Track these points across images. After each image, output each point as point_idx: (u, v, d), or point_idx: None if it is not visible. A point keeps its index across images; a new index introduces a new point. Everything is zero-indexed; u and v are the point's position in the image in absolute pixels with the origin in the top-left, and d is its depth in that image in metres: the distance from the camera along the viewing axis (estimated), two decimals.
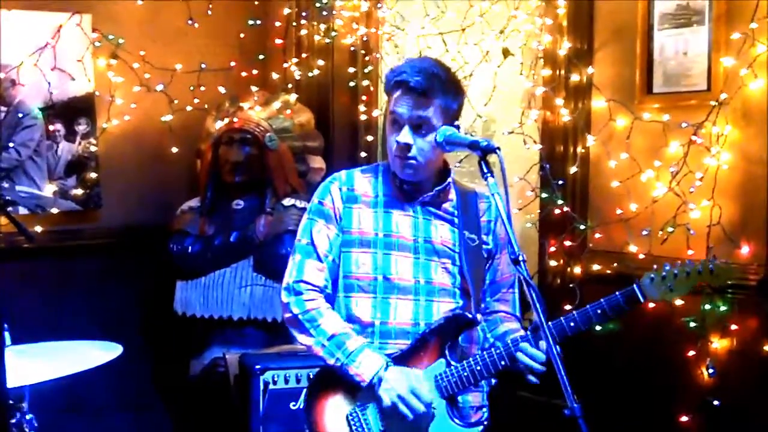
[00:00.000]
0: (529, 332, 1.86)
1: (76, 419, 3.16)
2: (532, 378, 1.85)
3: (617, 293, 1.85)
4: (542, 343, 1.81)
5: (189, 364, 3.24)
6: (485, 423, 1.95)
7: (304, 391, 2.06)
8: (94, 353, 2.11)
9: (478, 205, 2.01)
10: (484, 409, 1.99)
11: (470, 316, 1.91)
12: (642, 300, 1.84)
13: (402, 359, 1.90)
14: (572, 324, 1.84)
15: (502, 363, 1.85)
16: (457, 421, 1.88)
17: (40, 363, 1.99)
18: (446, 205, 1.99)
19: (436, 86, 1.89)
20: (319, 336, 1.90)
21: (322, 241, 1.96)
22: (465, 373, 1.86)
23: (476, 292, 1.94)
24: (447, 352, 1.89)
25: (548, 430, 2.67)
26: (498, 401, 2.08)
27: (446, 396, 1.88)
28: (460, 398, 1.92)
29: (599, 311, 1.84)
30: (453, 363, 1.88)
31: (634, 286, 1.84)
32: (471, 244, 1.95)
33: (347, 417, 1.90)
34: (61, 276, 3.30)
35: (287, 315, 1.96)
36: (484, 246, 1.99)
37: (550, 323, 1.74)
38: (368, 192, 1.99)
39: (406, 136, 1.89)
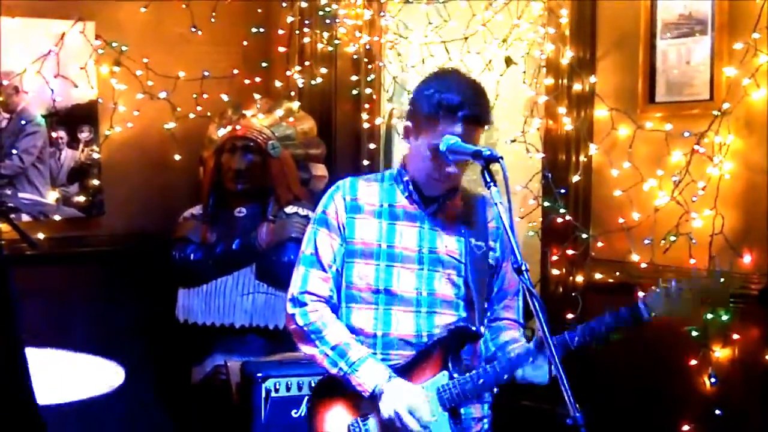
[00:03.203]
0: (533, 346, 1.85)
1: (76, 426, 3.15)
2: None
3: (622, 309, 1.85)
4: (540, 361, 1.81)
5: (191, 371, 3.24)
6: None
7: (306, 398, 2.05)
8: (97, 378, 2.09)
9: (486, 211, 2.00)
10: (485, 420, 1.99)
11: (474, 328, 1.90)
12: (646, 317, 1.83)
13: (405, 370, 1.89)
14: (577, 338, 1.82)
15: (505, 377, 1.85)
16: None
17: (42, 383, 1.99)
18: (453, 213, 1.98)
19: (489, 114, 1.92)
20: (323, 346, 1.90)
21: (326, 252, 1.95)
22: (468, 386, 1.86)
23: (480, 302, 1.93)
24: (450, 364, 1.88)
25: None
26: (500, 410, 2.08)
27: (448, 408, 1.87)
28: (462, 410, 1.91)
29: (603, 328, 1.83)
30: (456, 375, 1.88)
31: (639, 303, 1.84)
32: (477, 252, 1.95)
33: (349, 427, 1.89)
34: (64, 283, 3.30)
35: (292, 326, 1.96)
36: (491, 253, 1.98)
37: (553, 338, 1.74)
38: (373, 201, 1.98)
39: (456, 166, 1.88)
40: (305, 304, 1.94)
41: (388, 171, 2.05)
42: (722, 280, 1.86)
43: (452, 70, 2.06)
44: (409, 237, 1.94)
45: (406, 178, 1.97)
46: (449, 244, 1.95)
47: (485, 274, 1.96)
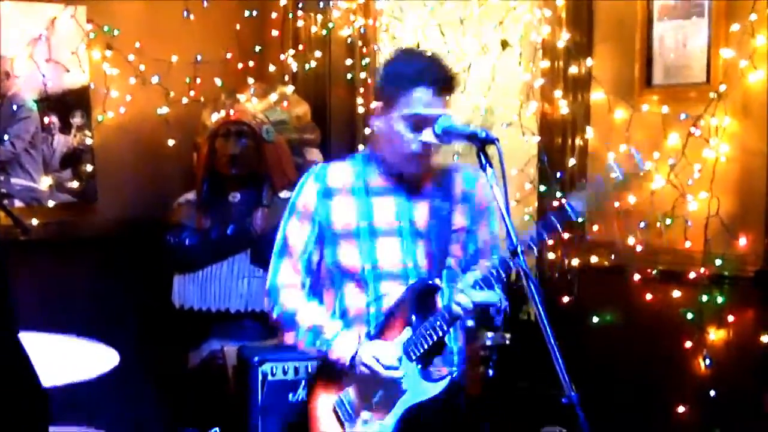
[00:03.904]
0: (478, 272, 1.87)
1: (73, 412, 3.15)
2: (491, 315, 1.86)
3: (551, 216, 1.85)
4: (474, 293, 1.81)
5: (187, 356, 3.24)
6: (453, 375, 1.95)
7: (304, 383, 2.09)
8: (91, 361, 2.10)
9: (453, 177, 2.03)
10: (454, 367, 2.00)
11: (430, 282, 1.94)
12: (574, 217, 1.85)
13: (375, 337, 1.94)
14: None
15: (454, 313, 1.85)
16: (426, 380, 1.91)
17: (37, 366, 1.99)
18: (426, 183, 2.01)
19: (455, 79, 1.93)
20: (299, 330, 1.97)
21: (296, 240, 2.00)
22: (428, 332, 1.89)
23: (439, 255, 1.96)
24: (413, 319, 1.92)
25: (546, 420, 2.68)
26: (496, 392, 2.09)
27: (414, 359, 1.90)
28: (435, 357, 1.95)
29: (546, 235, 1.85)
30: (419, 327, 1.91)
31: (567, 205, 1.86)
32: (440, 212, 1.97)
33: (334, 406, 1.95)
34: (58, 269, 3.29)
35: (272, 318, 2.04)
36: (455, 214, 2.00)
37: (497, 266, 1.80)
38: (346, 182, 2.00)
39: (431, 136, 1.89)
40: (278, 296, 2.00)
41: (358, 153, 2.08)
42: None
43: (411, 47, 2.11)
44: (386, 211, 1.97)
45: (377, 155, 1.99)
46: (423, 213, 1.98)
47: (446, 232, 1.98)
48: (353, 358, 1.90)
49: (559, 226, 1.84)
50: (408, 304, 1.94)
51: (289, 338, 2.00)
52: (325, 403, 1.97)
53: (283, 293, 1.99)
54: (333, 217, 1.97)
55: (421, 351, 1.89)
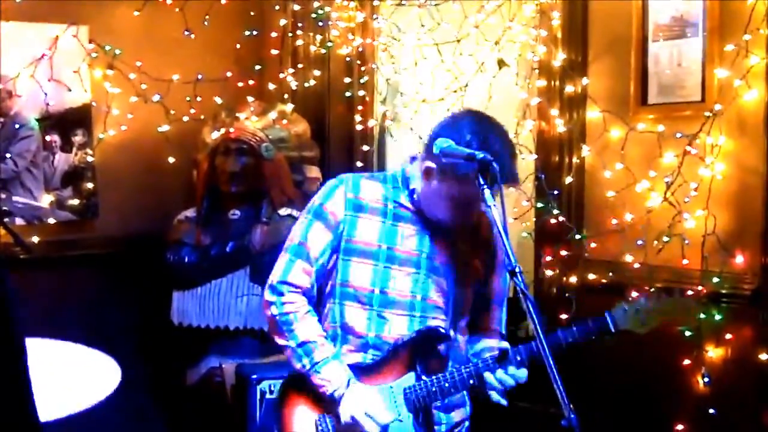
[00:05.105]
0: (495, 357, 1.86)
1: (71, 429, 3.15)
2: (496, 397, 1.86)
3: (589, 321, 1.89)
4: (511, 368, 1.84)
5: (186, 373, 3.24)
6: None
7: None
8: (94, 381, 2.08)
9: (480, 221, 2.00)
10: (465, 424, 2.01)
11: (443, 330, 1.92)
12: (613, 330, 1.88)
13: (372, 369, 1.92)
14: (540, 346, 1.72)
15: (471, 381, 1.87)
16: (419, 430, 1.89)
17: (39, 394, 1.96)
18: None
19: (514, 181, 1.89)
20: (291, 340, 1.92)
21: (315, 244, 1.94)
22: (434, 389, 1.88)
23: (455, 307, 1.95)
24: (417, 366, 1.90)
25: None
26: (494, 411, 2.09)
27: (414, 409, 1.89)
28: (439, 414, 1.94)
29: (570, 339, 1.87)
30: (423, 377, 1.90)
31: (606, 315, 1.88)
32: (462, 257, 1.96)
33: (315, 422, 1.92)
34: (58, 286, 3.29)
35: (267, 313, 1.97)
36: (476, 261, 1.99)
37: (522, 348, 1.83)
38: (378, 200, 1.96)
39: (469, 218, 1.93)
40: (282, 294, 1.94)
41: (390, 173, 2.03)
42: (689, 305, 1.95)
43: (489, 122, 1.91)
44: (410, 240, 1.94)
45: (413, 187, 1.95)
46: (442, 251, 1.96)
47: (465, 281, 1.97)
48: (339, 397, 1.87)
49: (596, 333, 1.86)
50: (413, 348, 1.91)
51: (278, 341, 1.95)
52: (305, 415, 1.93)
53: (289, 294, 1.94)
54: (357, 232, 1.93)
55: (421, 404, 1.89)
